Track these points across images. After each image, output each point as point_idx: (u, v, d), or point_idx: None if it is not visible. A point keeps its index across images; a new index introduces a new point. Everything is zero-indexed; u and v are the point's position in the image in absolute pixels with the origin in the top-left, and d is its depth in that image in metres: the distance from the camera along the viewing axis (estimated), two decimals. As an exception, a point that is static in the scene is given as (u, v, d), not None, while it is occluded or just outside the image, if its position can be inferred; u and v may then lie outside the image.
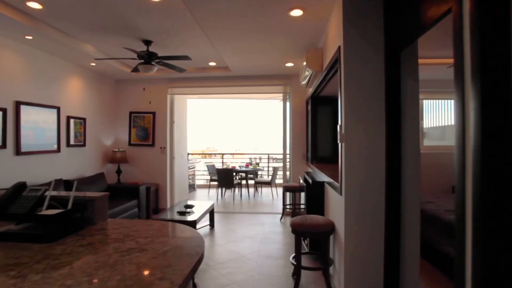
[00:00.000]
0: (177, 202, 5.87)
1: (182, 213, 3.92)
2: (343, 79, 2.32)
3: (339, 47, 2.40)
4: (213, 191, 7.85)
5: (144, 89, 5.59)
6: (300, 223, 2.65)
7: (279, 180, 8.12)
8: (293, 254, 2.76)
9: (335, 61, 2.68)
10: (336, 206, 2.63)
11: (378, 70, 2.22)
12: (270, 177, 8.33)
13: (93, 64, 4.52)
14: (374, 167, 2.22)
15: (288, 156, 5.62)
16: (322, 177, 3.35)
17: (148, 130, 5.63)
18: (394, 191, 2.18)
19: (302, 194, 4.50)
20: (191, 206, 4.09)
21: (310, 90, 4.55)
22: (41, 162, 3.92)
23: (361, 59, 2.26)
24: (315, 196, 3.30)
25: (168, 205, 5.63)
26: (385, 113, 2.20)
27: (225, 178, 6.74)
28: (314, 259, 3.19)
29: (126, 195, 4.75)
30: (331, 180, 2.83)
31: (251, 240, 4.04)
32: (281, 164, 11.09)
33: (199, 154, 10.38)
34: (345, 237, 2.28)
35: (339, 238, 2.48)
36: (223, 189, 7.49)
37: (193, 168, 8.32)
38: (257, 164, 8.02)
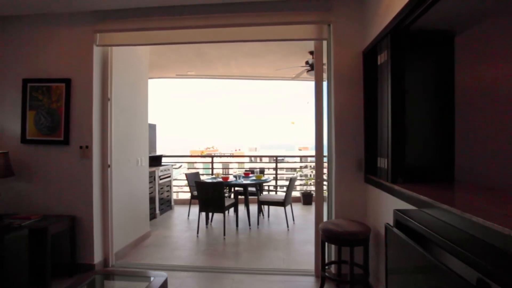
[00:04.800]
0: (121, 248, 3.20)
1: None
2: None
3: None
4: (196, 211, 5.17)
5: None
6: None
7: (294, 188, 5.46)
8: None
9: None
10: None
11: None
12: (283, 189, 5.67)
13: None
14: None
15: (324, 162, 2.94)
16: None
17: (58, 113, 2.97)
18: None
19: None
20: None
21: (389, 18, 1.88)
22: None
23: None
24: None
25: (99, 257, 2.97)
26: None
27: (211, 197, 4.05)
28: None
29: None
30: None
31: None
32: (298, 164, 8.33)
33: (176, 156, 7.70)
34: None
35: None
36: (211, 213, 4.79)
37: (168, 178, 5.67)
38: (262, 173, 5.34)
